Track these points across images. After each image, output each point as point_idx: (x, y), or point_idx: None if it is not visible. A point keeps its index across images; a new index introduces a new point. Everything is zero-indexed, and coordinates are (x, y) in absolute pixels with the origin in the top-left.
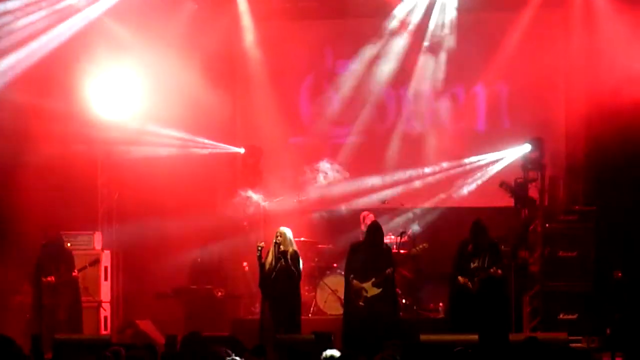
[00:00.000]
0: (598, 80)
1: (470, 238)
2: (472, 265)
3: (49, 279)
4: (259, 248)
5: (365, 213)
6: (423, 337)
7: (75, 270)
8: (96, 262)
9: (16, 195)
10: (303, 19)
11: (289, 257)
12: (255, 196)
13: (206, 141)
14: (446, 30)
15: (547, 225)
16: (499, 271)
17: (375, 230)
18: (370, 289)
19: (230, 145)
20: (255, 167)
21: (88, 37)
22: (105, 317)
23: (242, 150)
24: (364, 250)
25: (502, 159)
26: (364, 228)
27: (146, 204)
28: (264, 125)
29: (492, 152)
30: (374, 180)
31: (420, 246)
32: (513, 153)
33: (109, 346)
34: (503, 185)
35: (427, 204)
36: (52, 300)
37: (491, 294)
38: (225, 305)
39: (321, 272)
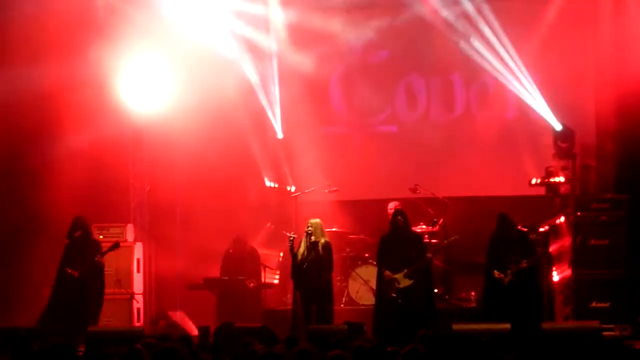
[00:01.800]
0: (628, 68)
1: (498, 233)
2: (506, 259)
3: (72, 272)
4: (291, 239)
5: (395, 203)
6: (455, 326)
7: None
8: (115, 246)
9: (48, 188)
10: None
11: (320, 247)
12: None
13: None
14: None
15: (578, 213)
16: (531, 259)
17: (399, 217)
18: (403, 280)
19: (262, 138)
20: (287, 158)
21: (118, 27)
22: (138, 309)
23: (280, 136)
24: (394, 240)
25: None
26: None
27: (178, 196)
28: (295, 116)
29: (522, 140)
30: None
31: (452, 238)
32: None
33: (142, 338)
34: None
35: (458, 193)
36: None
37: (523, 284)
38: (258, 296)
39: (353, 262)
